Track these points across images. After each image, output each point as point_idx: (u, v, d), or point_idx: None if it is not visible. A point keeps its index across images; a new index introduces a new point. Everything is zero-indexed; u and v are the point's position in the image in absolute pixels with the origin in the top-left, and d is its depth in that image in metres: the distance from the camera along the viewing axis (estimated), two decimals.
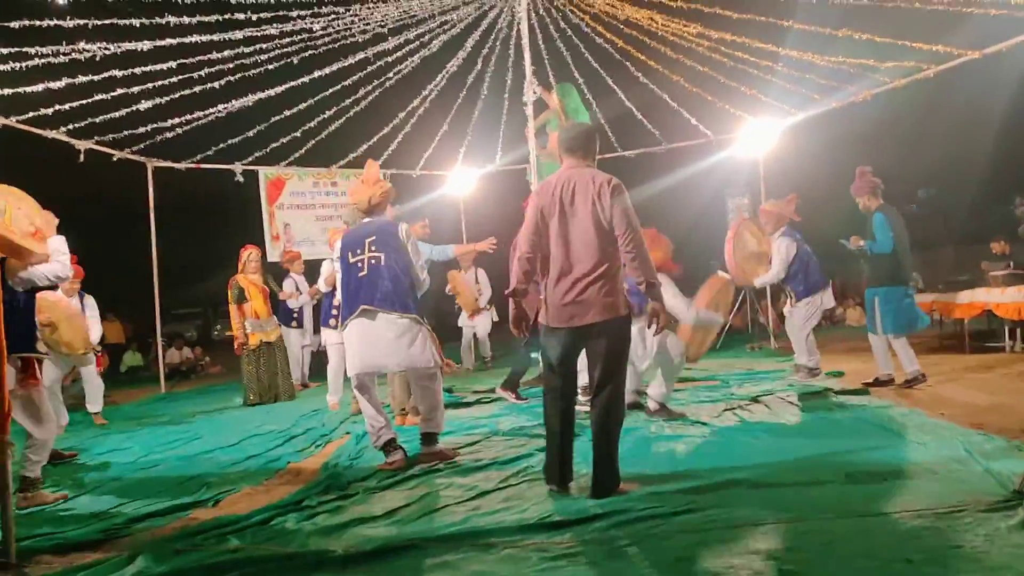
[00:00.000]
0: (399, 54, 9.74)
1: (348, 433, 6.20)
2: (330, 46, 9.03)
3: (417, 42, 9.69)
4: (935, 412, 5.32)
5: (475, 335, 10.85)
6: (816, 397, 6.42)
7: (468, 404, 7.37)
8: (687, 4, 8.38)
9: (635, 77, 10.42)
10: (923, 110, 10.35)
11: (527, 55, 8.96)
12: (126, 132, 9.33)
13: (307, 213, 12.25)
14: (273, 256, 11.50)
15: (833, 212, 18.99)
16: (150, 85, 8.25)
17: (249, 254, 8.92)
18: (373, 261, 4.88)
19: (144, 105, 8.50)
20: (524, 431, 5.62)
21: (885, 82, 9.31)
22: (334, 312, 7.53)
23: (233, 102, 9.40)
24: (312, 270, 9.54)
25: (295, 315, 10.10)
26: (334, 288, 7.13)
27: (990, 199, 16.06)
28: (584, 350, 3.93)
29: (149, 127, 9.31)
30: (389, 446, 4.86)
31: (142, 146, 10.02)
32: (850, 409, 5.70)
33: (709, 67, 9.81)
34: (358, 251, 4.96)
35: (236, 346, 8.75)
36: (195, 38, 7.56)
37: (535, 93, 8.85)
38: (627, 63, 10.23)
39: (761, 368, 8.60)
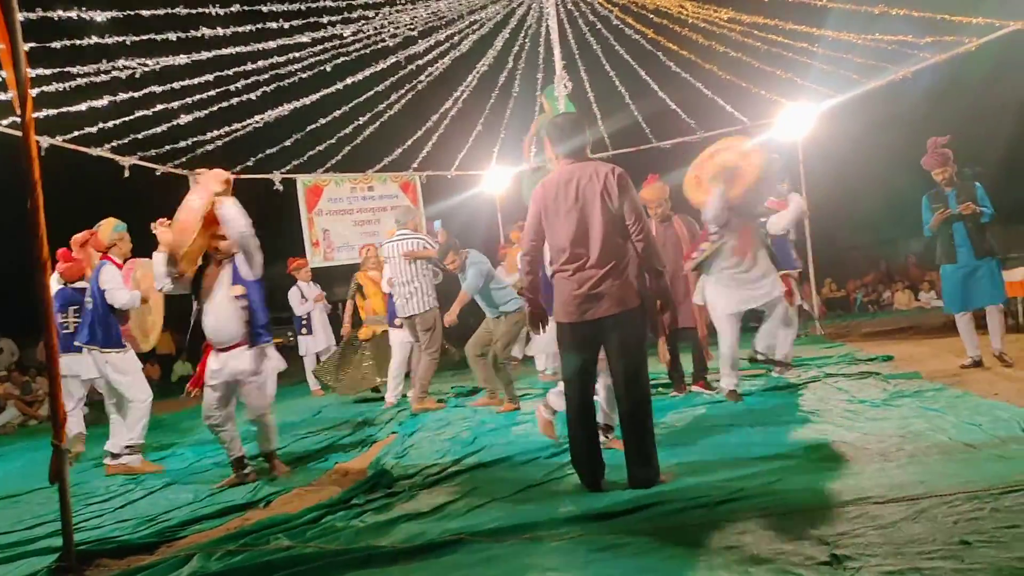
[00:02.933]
0: (430, 56, 9.81)
1: (394, 433, 6.26)
2: (361, 51, 9.13)
3: (447, 43, 9.74)
4: (989, 393, 5.18)
5: None
6: (866, 381, 6.30)
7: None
8: None
9: (667, 67, 10.32)
10: (965, 87, 10.07)
11: (557, 50, 8.96)
12: (168, 147, 9.55)
13: (345, 218, 12.39)
14: (314, 262, 11.67)
15: (874, 195, 18.70)
16: (188, 100, 8.44)
17: (368, 251, 9.19)
18: None
19: (184, 119, 8.70)
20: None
21: (926, 58, 9.07)
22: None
23: (269, 112, 9.55)
24: (343, 275, 9.85)
25: (304, 321, 10.38)
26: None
27: None
28: (603, 346, 3.91)
29: (190, 140, 9.51)
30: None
31: (183, 159, 10.23)
32: (901, 393, 5.57)
33: (743, 52, 9.68)
34: None
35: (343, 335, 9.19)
36: (230, 50, 7.71)
37: (566, 88, 8.83)
38: (658, 53, 10.15)
39: (808, 355, 8.45)
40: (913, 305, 15.81)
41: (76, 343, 5.91)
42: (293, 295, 10.35)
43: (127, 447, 5.75)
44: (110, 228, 5.94)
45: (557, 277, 3.91)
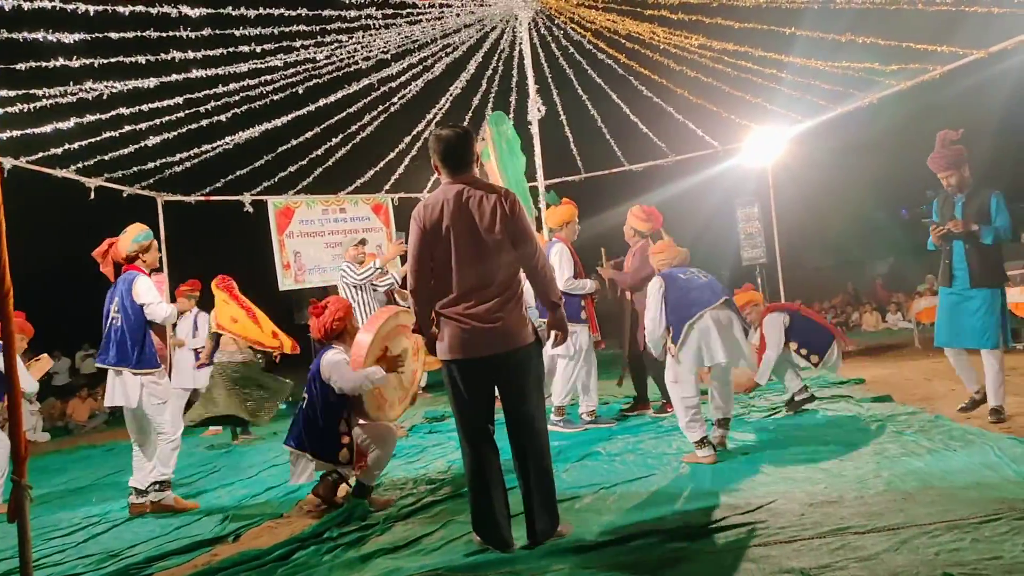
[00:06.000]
0: (403, 79, 9.80)
1: None
2: (334, 74, 9.09)
3: (420, 66, 9.74)
4: (961, 417, 5.23)
5: None
6: (838, 405, 6.33)
7: None
8: (688, 16, 8.40)
9: (639, 91, 10.43)
10: (931, 112, 10.29)
11: (530, 74, 9.01)
12: (135, 168, 9.40)
13: (317, 240, 12.25)
14: (284, 285, 11.56)
15: (840, 217, 19.02)
16: (157, 121, 8.33)
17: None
18: None
19: (152, 141, 8.57)
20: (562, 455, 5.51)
21: (891, 85, 9.26)
22: None
23: (240, 134, 9.46)
24: (319, 297, 9.50)
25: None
26: None
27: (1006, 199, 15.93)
28: (496, 385, 3.51)
29: (158, 162, 9.38)
30: None
31: (151, 181, 10.08)
32: (874, 417, 5.61)
33: (713, 78, 9.81)
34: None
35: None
36: (201, 72, 7.63)
37: (540, 112, 8.88)
38: (630, 78, 10.25)
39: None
40: (881, 327, 16.02)
41: (99, 363, 5.24)
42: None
43: (156, 483, 5.07)
44: (131, 238, 5.24)
45: (442, 310, 3.43)
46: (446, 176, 3.51)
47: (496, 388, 3.52)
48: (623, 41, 9.37)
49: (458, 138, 3.50)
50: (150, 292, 5.11)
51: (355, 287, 7.56)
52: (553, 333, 3.53)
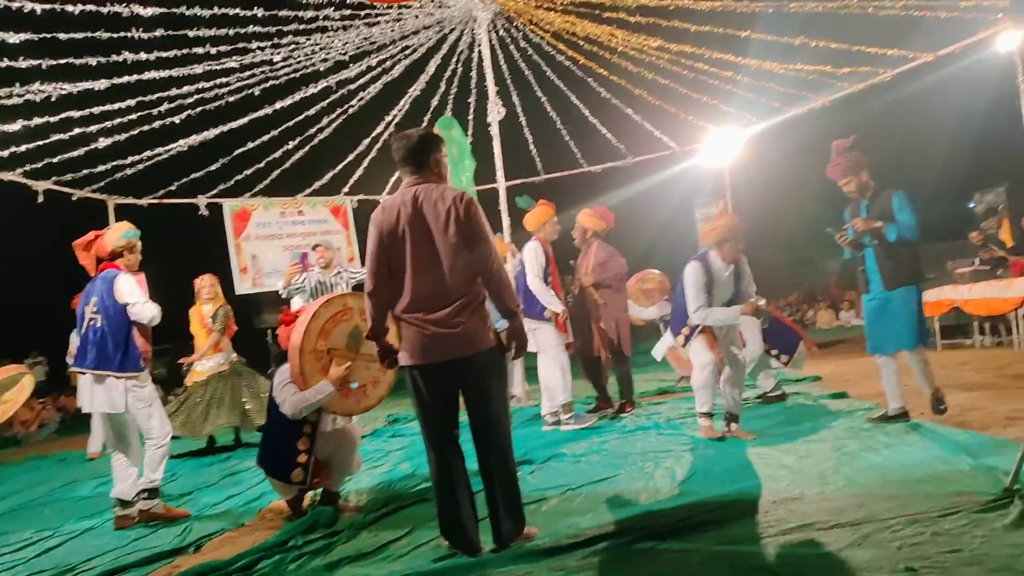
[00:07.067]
0: (362, 81, 9.72)
1: None
2: (292, 76, 8.97)
3: (379, 68, 9.67)
4: (914, 411, 5.35)
5: None
6: (795, 403, 6.45)
7: None
8: (646, 19, 8.49)
9: (598, 93, 10.50)
10: (883, 114, 10.57)
11: (490, 76, 9.00)
12: (85, 171, 9.15)
13: (275, 243, 12.07)
14: (242, 289, 11.39)
15: (794, 216, 19.38)
16: (109, 123, 8.12)
17: (202, 280, 8.11)
18: None
19: (104, 143, 8.36)
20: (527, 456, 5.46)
21: (843, 88, 9.46)
22: None
23: (195, 136, 9.28)
24: (273, 302, 9.22)
25: None
26: None
27: (949, 197, 16.47)
28: (459, 390, 3.48)
29: (109, 165, 9.14)
30: None
31: (102, 184, 9.83)
32: (831, 414, 5.73)
33: (671, 80, 9.91)
34: None
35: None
36: (154, 74, 7.46)
37: (500, 114, 8.88)
38: (589, 79, 10.31)
39: None
40: (834, 324, 16.38)
41: (76, 367, 4.97)
42: None
43: (144, 491, 4.85)
44: (119, 232, 5.07)
45: (402, 314, 3.40)
46: (405, 178, 3.49)
47: (459, 393, 3.50)
48: (582, 43, 9.43)
49: (418, 139, 3.47)
50: (135, 291, 4.88)
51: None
52: (509, 335, 3.45)
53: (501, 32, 9.51)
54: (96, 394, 4.84)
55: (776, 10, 7.99)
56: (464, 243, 3.31)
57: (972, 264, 9.63)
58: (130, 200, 10.83)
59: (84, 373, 4.92)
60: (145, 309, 4.86)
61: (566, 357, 6.64)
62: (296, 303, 7.39)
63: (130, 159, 9.24)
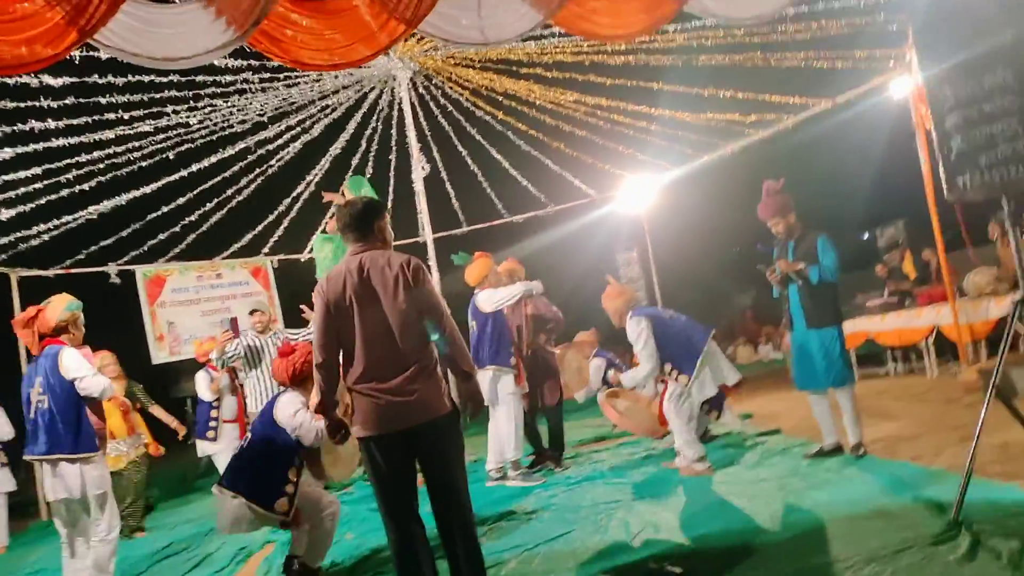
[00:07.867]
0: (281, 140, 9.61)
1: (271, 542, 5.80)
2: (208, 138, 8.79)
3: (299, 128, 9.59)
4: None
5: None
6: (731, 442, 6.56)
7: None
8: (562, 74, 8.75)
9: (518, 146, 10.71)
10: (789, 157, 11.14)
11: (411, 133, 9.04)
12: None
13: (192, 309, 11.65)
14: (158, 358, 10.94)
15: (709, 257, 20.06)
16: (12, 194, 7.75)
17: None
18: None
19: (6, 214, 7.96)
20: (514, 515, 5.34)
21: (751, 134, 9.92)
22: (211, 424, 7.65)
23: (105, 202, 8.93)
24: (190, 370, 8.86)
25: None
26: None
27: (851, 232, 17.40)
28: (416, 459, 3.40)
29: (11, 236, 8.70)
30: None
31: (5, 256, 9.33)
32: (769, 452, 5.84)
33: (588, 131, 10.20)
34: None
35: None
36: (62, 141, 7.18)
37: (424, 169, 8.92)
38: (509, 133, 10.50)
39: None
40: (754, 359, 16.80)
41: (27, 456, 4.56)
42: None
43: None
44: (62, 306, 4.71)
45: (354, 385, 3.32)
46: (350, 246, 3.46)
47: (417, 462, 3.41)
48: (500, 98, 9.60)
49: (362, 207, 3.47)
50: (81, 365, 4.54)
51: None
52: (466, 397, 3.45)
53: (421, 90, 9.60)
54: (54, 481, 4.49)
55: (686, 63, 8.34)
56: (415, 309, 3.28)
57: (882, 297, 10.10)
58: (36, 272, 10.32)
59: (39, 462, 4.55)
60: (95, 382, 4.56)
61: (521, 410, 6.59)
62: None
63: (35, 229, 8.83)
